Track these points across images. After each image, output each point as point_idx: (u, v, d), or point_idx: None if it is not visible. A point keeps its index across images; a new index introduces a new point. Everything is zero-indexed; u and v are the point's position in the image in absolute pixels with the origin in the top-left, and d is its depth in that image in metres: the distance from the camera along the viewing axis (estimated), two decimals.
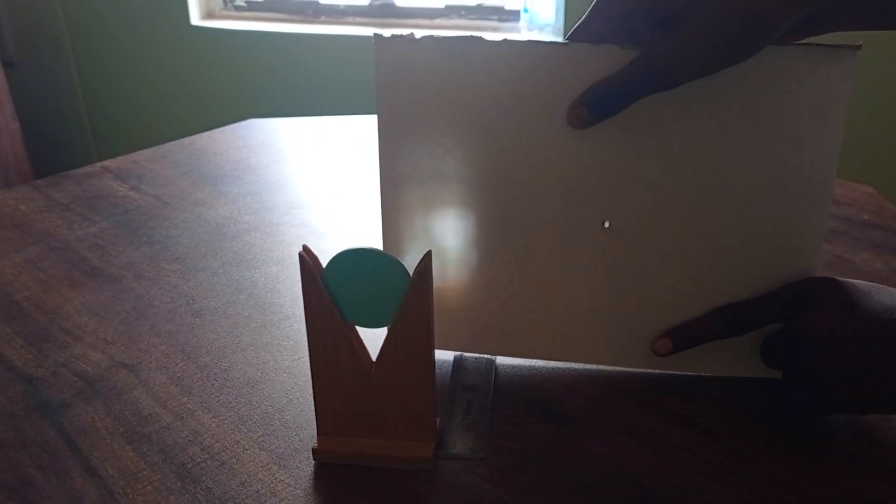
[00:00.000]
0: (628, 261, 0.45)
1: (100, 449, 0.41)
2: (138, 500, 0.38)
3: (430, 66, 0.42)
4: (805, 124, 0.41)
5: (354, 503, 0.38)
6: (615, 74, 0.40)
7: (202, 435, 0.42)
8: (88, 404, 0.45)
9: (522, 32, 1.86)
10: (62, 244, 0.65)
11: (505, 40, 0.41)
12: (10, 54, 2.26)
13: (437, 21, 1.98)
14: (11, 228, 0.68)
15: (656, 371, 0.47)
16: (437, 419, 0.41)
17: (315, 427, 0.41)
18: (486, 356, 0.49)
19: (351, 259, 0.37)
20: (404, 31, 0.42)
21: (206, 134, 0.94)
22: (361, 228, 0.68)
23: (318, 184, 0.79)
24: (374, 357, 0.39)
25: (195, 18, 2.08)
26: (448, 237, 0.46)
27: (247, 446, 0.41)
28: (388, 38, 0.42)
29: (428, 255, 0.36)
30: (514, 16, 1.92)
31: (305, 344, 0.39)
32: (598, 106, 0.41)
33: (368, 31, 1.92)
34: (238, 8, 2.13)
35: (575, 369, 0.48)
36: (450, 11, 1.97)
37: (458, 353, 0.49)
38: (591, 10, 0.41)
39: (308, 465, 0.40)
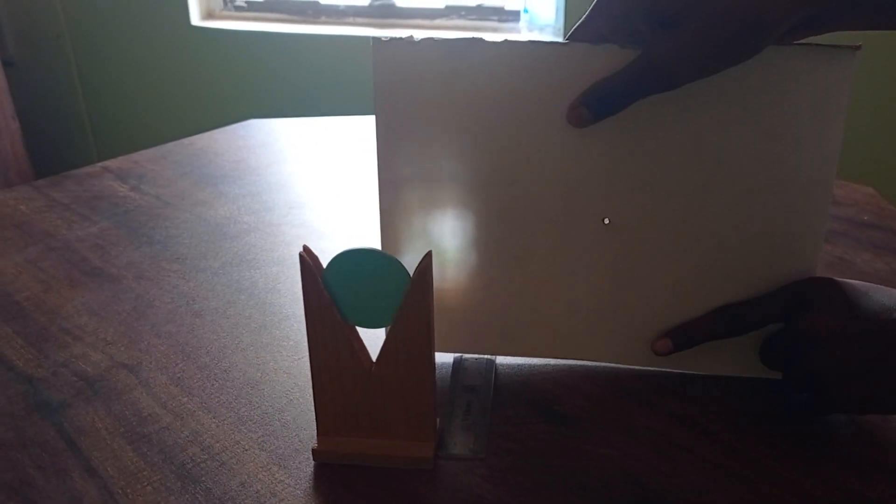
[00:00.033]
0: (628, 260, 0.45)
1: (100, 449, 0.41)
2: (138, 500, 0.38)
3: (430, 67, 0.42)
4: (805, 124, 0.41)
5: (354, 503, 0.38)
6: (615, 74, 0.40)
7: (202, 435, 0.42)
8: (88, 404, 0.45)
9: (522, 33, 1.86)
10: (62, 244, 0.65)
11: (505, 41, 0.41)
12: (10, 54, 2.26)
13: (437, 21, 1.98)
14: (12, 228, 0.68)
15: (656, 370, 0.47)
16: (438, 419, 0.41)
17: (315, 427, 0.41)
18: (486, 357, 0.49)
19: (351, 259, 0.37)
20: (404, 33, 0.42)
21: (206, 134, 0.94)
22: (362, 229, 0.68)
23: (319, 184, 0.79)
24: (374, 357, 0.39)
25: (195, 19, 2.08)
26: (447, 237, 0.46)
27: (247, 447, 0.41)
28: (387, 41, 0.42)
29: (428, 256, 0.36)
30: (514, 16, 1.92)
31: (305, 344, 0.39)
32: (598, 105, 0.41)
33: (368, 32, 1.93)
34: (238, 8, 2.13)
35: (575, 369, 0.48)
36: (450, 12, 1.97)
37: (458, 353, 0.49)
38: (592, 9, 0.41)
39: (308, 466, 0.40)
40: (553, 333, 0.47)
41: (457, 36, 0.42)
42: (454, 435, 0.42)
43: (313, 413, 0.40)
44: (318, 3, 2.04)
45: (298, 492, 0.38)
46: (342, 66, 1.93)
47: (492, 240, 0.46)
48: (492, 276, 0.46)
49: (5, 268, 0.61)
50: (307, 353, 0.39)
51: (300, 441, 0.42)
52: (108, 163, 0.84)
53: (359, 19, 2.02)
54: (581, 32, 0.42)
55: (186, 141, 0.91)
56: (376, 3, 2.00)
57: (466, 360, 0.49)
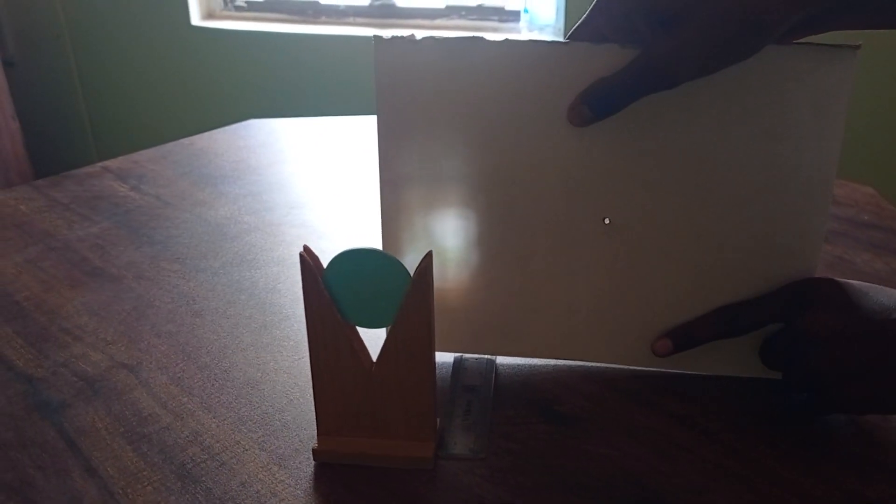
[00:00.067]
0: (629, 260, 0.45)
1: (100, 449, 0.41)
2: (138, 500, 0.38)
3: (431, 66, 0.42)
4: (805, 124, 0.41)
5: (355, 503, 0.38)
6: (616, 73, 0.40)
7: (202, 435, 0.42)
8: (88, 404, 0.45)
9: (523, 33, 1.86)
10: (63, 244, 0.65)
11: (506, 40, 0.41)
12: (11, 54, 2.26)
13: (438, 21, 1.98)
14: (12, 228, 0.68)
15: (656, 370, 0.48)
16: (438, 419, 0.41)
17: (315, 427, 0.41)
18: (486, 357, 0.49)
19: (352, 259, 0.37)
20: (404, 33, 0.42)
21: (206, 134, 0.94)
22: (362, 229, 0.68)
23: (319, 184, 0.79)
24: (374, 357, 0.39)
25: (195, 19, 2.08)
26: (448, 237, 0.46)
27: (247, 446, 0.41)
28: (388, 39, 0.42)
29: (429, 256, 0.36)
30: (514, 16, 1.92)
31: (306, 344, 0.39)
32: (598, 104, 0.41)
33: (369, 32, 1.93)
34: (238, 8, 2.13)
35: (575, 369, 0.48)
36: (450, 12, 1.97)
37: (458, 353, 0.49)
38: (592, 9, 0.41)
39: (308, 466, 0.40)
40: (553, 333, 0.47)
41: (457, 35, 0.42)
42: (454, 435, 0.42)
43: (313, 413, 0.40)
44: (318, 3, 2.04)
45: (299, 492, 0.38)
46: (342, 66, 1.93)
47: (492, 240, 0.46)
48: (492, 275, 0.46)
49: (5, 268, 0.61)
50: (307, 353, 0.39)
51: (300, 441, 0.42)
52: (108, 163, 0.84)
53: (359, 19, 2.02)
54: (581, 32, 0.42)
55: (187, 141, 0.91)
56: (376, 2, 2.00)
57: (467, 360, 0.49)
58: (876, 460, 0.40)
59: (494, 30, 1.94)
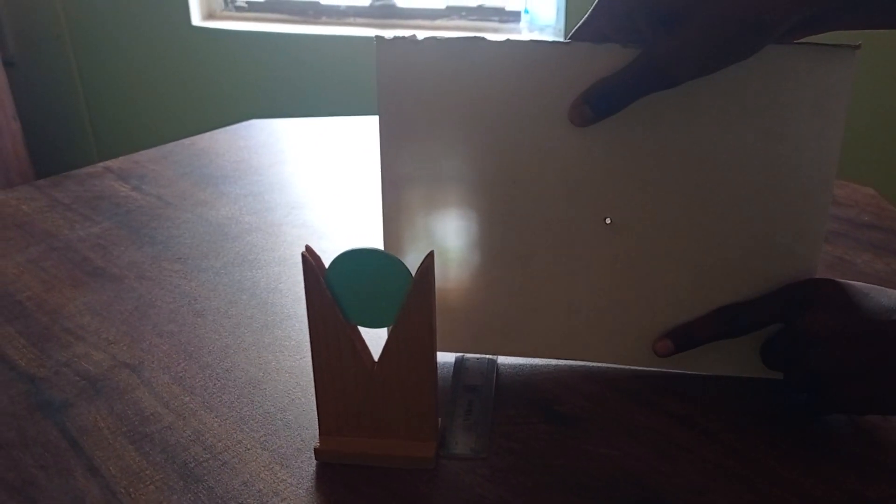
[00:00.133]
0: (629, 260, 0.45)
1: (102, 448, 0.41)
2: (140, 499, 0.38)
3: (433, 67, 0.42)
4: (805, 124, 0.41)
5: (356, 503, 0.38)
6: (617, 73, 0.40)
7: (204, 434, 0.42)
8: (91, 404, 0.45)
9: (523, 33, 1.86)
10: (64, 244, 0.65)
11: (507, 40, 0.41)
12: (11, 54, 2.26)
13: (438, 22, 1.98)
14: (14, 228, 0.68)
15: (657, 370, 0.48)
16: (439, 419, 0.41)
17: (317, 427, 0.41)
18: (487, 357, 0.49)
19: (353, 259, 0.37)
20: (405, 33, 0.42)
21: (207, 134, 0.94)
22: (363, 229, 0.69)
23: (320, 184, 0.79)
24: (376, 357, 0.39)
25: (196, 19, 2.08)
26: (449, 237, 0.46)
27: (249, 446, 0.42)
28: (390, 39, 0.42)
29: (430, 256, 0.36)
30: (514, 17, 1.92)
31: (307, 344, 0.39)
32: (599, 104, 0.41)
33: (369, 32, 1.93)
34: (239, 8, 2.13)
35: (576, 369, 0.48)
36: (451, 12, 1.97)
37: (459, 353, 0.49)
38: (594, 8, 0.41)
39: (310, 465, 0.40)
40: (554, 333, 0.47)
41: (458, 36, 0.42)
42: (456, 434, 0.42)
43: (315, 412, 0.40)
44: (318, 3, 2.04)
45: (300, 491, 0.38)
46: (343, 66, 1.93)
47: (493, 240, 0.46)
48: (493, 275, 0.46)
49: (7, 268, 0.61)
50: (309, 353, 0.39)
51: (302, 440, 0.42)
52: (109, 163, 0.84)
53: (359, 20, 2.03)
54: (583, 32, 0.42)
55: (187, 141, 0.91)
56: (377, 3, 2.00)
57: (468, 359, 0.49)
58: (876, 460, 0.40)
59: (495, 30, 1.94)
